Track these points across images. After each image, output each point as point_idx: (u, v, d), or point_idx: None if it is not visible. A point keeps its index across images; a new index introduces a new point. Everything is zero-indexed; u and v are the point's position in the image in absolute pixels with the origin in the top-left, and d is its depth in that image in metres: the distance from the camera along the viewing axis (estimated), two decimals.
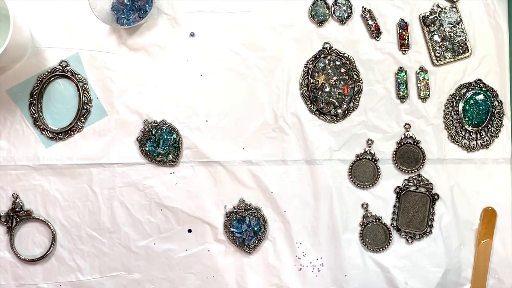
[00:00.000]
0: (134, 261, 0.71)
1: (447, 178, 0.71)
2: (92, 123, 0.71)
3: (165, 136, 0.70)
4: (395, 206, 0.71)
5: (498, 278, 0.70)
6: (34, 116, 0.71)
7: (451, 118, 0.71)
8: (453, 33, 0.71)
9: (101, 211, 0.71)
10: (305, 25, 0.72)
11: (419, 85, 0.71)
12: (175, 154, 0.71)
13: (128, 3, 0.69)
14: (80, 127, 0.71)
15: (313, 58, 0.71)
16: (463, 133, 0.71)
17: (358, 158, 0.71)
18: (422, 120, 0.71)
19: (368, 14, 0.71)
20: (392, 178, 0.71)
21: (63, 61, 0.71)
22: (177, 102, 0.71)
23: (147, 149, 0.70)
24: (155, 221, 0.71)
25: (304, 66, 0.71)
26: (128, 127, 0.71)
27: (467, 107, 0.70)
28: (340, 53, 0.71)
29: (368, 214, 0.71)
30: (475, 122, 0.70)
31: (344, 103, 0.71)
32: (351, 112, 0.71)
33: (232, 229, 0.70)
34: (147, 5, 0.69)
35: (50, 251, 0.71)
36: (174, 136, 0.71)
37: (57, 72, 0.71)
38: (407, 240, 0.71)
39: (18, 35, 0.65)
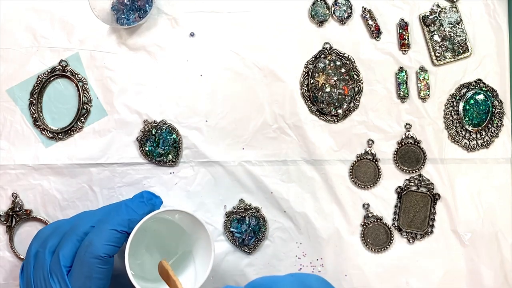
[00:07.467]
0: None
1: (447, 178, 0.70)
2: (92, 123, 0.71)
3: (165, 136, 0.70)
4: (396, 206, 0.71)
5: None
6: (34, 116, 0.71)
7: (451, 118, 0.71)
8: (453, 33, 0.71)
9: None
10: (305, 25, 0.72)
11: (419, 85, 0.71)
12: (175, 154, 0.70)
13: (128, 3, 0.69)
14: (80, 127, 0.71)
15: (313, 58, 0.71)
16: (463, 133, 0.70)
17: (358, 158, 0.71)
18: (423, 120, 0.71)
19: (368, 14, 0.71)
20: (393, 178, 0.71)
21: (63, 61, 0.71)
22: (177, 102, 0.71)
23: (147, 149, 0.70)
24: None
25: (304, 67, 0.71)
26: (128, 127, 0.71)
27: (467, 107, 0.70)
28: (340, 53, 0.71)
29: (369, 214, 0.71)
30: (475, 122, 0.70)
31: (345, 103, 0.71)
32: (351, 112, 0.71)
33: (231, 229, 0.70)
34: (147, 5, 0.69)
35: None
36: (174, 136, 0.70)
37: (57, 72, 0.71)
38: (409, 240, 0.70)
39: None
